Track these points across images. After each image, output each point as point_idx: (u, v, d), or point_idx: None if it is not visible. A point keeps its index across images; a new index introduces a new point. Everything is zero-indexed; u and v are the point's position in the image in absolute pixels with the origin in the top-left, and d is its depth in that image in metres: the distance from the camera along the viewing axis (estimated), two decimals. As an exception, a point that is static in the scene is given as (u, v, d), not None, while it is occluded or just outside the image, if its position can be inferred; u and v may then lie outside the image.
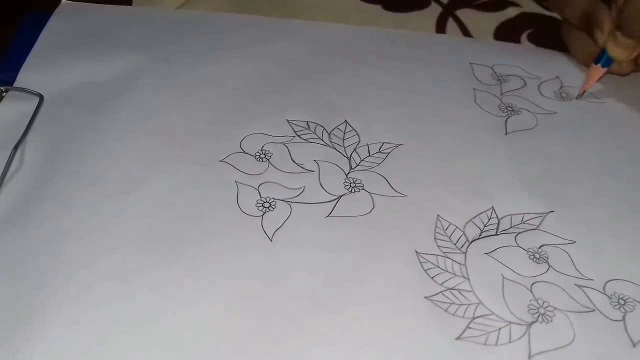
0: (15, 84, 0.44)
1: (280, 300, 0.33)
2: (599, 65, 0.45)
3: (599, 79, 0.46)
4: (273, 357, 0.31)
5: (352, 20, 0.53)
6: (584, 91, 0.46)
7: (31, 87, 0.44)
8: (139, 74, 0.46)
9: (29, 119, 0.42)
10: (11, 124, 0.41)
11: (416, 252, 0.36)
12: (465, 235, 0.37)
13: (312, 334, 0.32)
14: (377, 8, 0.55)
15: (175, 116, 0.43)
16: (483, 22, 0.54)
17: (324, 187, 0.39)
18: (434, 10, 0.55)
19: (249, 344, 0.31)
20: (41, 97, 0.43)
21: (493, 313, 0.33)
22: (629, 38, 0.43)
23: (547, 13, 0.55)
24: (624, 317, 0.34)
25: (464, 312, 0.33)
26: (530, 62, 0.49)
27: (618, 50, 0.44)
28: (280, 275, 0.34)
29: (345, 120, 0.43)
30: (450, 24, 0.54)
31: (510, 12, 0.55)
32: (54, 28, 0.49)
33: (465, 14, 0.54)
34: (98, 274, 0.34)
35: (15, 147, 0.40)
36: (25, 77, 0.45)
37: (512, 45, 0.52)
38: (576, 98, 0.46)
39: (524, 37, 0.53)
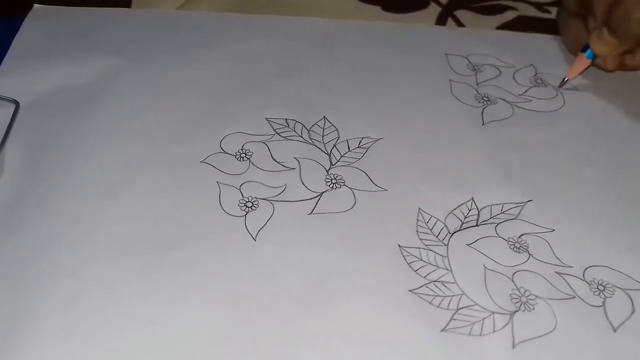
0: (-10, 91, 0.44)
1: (267, 300, 0.34)
2: (585, 55, 0.46)
3: (584, 70, 0.46)
4: (259, 356, 0.31)
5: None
6: (567, 79, 0.47)
7: (6, 94, 0.43)
8: (116, 77, 0.45)
9: (5, 127, 0.41)
10: (-12, 131, 0.41)
11: (399, 245, 0.36)
12: (447, 227, 0.37)
13: (300, 333, 0.32)
14: (377, 9, 0.55)
15: (153, 118, 0.43)
16: (482, 22, 0.54)
17: (305, 184, 0.39)
18: (433, 10, 0.55)
19: (237, 345, 0.32)
20: (17, 104, 0.43)
21: (476, 304, 0.34)
22: (614, 37, 0.43)
23: (545, 16, 0.55)
24: (603, 302, 0.34)
25: (448, 304, 0.34)
26: (504, 51, 0.50)
27: (601, 46, 0.44)
28: (265, 275, 0.35)
29: (324, 117, 0.43)
30: (450, 24, 0.54)
31: (509, 15, 0.55)
32: (27, 33, 0.49)
33: (465, 15, 0.55)
34: (84, 281, 0.34)
35: (-6, 155, 0.39)
36: (1, 83, 0.44)
37: (487, 32, 0.52)
38: (559, 86, 0.47)
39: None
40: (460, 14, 0.55)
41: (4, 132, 0.41)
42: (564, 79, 0.47)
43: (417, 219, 0.38)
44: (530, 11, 0.55)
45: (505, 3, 0.56)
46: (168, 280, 0.34)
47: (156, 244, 0.36)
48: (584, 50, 0.46)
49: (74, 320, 0.32)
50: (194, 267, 0.35)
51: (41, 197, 0.38)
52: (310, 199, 0.38)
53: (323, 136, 0.42)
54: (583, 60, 0.46)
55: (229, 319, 0.33)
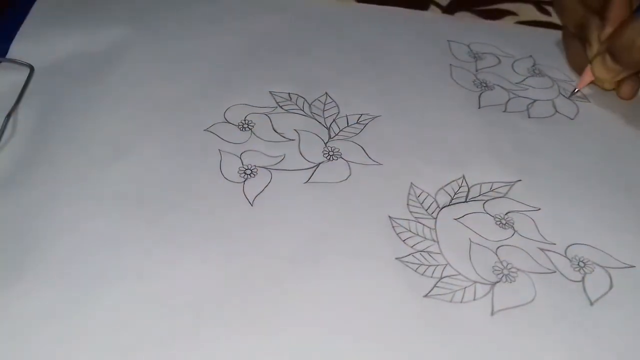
0: (8, 56, 0.46)
1: (260, 260, 0.35)
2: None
3: (591, 82, 0.47)
4: (252, 314, 0.33)
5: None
6: (577, 90, 0.47)
7: (23, 59, 0.45)
8: (128, 46, 0.47)
9: (20, 89, 0.43)
10: (3, 93, 0.43)
11: (389, 217, 0.38)
12: (437, 201, 0.39)
13: (290, 292, 0.34)
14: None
15: (161, 87, 0.44)
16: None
17: (303, 155, 0.41)
18: (434, 12, 0.56)
19: (230, 302, 0.33)
20: (32, 68, 0.45)
21: (459, 273, 0.35)
22: (616, 64, 0.43)
23: (545, 19, 0.56)
24: (583, 278, 0.36)
25: (433, 272, 0.35)
26: (505, 41, 0.51)
27: (603, 72, 0.45)
28: (259, 237, 0.36)
29: (326, 92, 0.45)
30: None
31: (509, 20, 0.55)
32: (45, 1, 0.50)
33: (464, 18, 0.55)
34: (85, 235, 0.35)
35: (8, 116, 0.41)
36: (18, 48, 0.46)
37: (489, 23, 0.54)
38: (569, 97, 0.47)
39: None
40: (460, 16, 0.56)
41: (18, 94, 0.43)
42: (574, 90, 0.47)
43: (409, 193, 0.39)
44: (531, 14, 0.56)
45: (505, 7, 0.56)
46: (166, 238, 0.36)
47: (157, 204, 0.37)
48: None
49: (74, 272, 0.34)
50: (192, 227, 0.36)
51: (50, 156, 0.39)
52: (307, 168, 0.40)
53: (324, 111, 0.44)
54: (590, 73, 0.46)
55: (223, 276, 0.34)
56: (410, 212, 0.38)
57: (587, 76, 0.46)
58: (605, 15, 0.44)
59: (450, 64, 0.49)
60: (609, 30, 0.44)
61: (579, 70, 0.48)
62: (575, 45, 0.48)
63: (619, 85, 0.46)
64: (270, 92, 0.44)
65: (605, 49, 0.44)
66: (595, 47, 0.45)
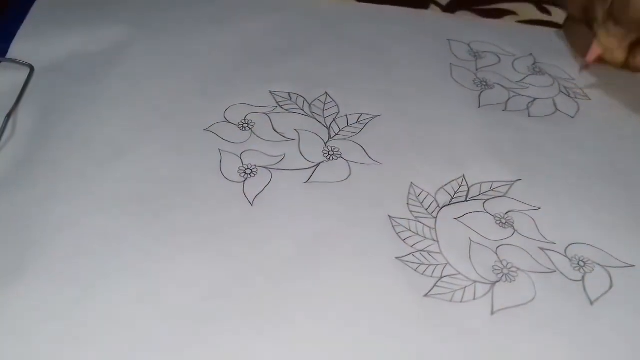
0: (8, 55, 0.46)
1: (259, 260, 0.35)
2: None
3: (599, 56, 0.46)
4: (252, 314, 0.33)
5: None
6: (587, 64, 0.46)
7: (23, 58, 0.45)
8: (128, 45, 0.47)
9: (20, 89, 0.43)
10: (3, 93, 0.43)
11: (389, 216, 0.38)
12: (437, 201, 0.39)
13: (290, 292, 0.34)
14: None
15: (161, 87, 0.44)
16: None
17: (303, 154, 0.41)
18: (434, 11, 0.56)
19: (229, 301, 0.33)
20: (32, 68, 0.45)
21: (459, 273, 0.35)
22: (618, 26, 0.44)
23: (545, 18, 0.55)
24: (583, 277, 0.36)
25: (433, 272, 0.35)
26: (505, 40, 0.51)
27: (609, 39, 0.45)
28: (259, 237, 0.36)
29: (326, 92, 0.45)
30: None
31: (509, 20, 0.55)
32: (46, 1, 0.50)
33: (464, 16, 0.55)
34: (85, 233, 0.36)
35: (8, 116, 0.41)
36: (18, 48, 0.46)
37: (490, 21, 0.54)
38: (579, 71, 0.47)
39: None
40: (460, 15, 0.56)
41: (18, 94, 0.43)
42: (584, 64, 0.47)
43: (409, 193, 0.39)
44: (531, 14, 0.56)
45: (505, 7, 0.56)
46: (166, 236, 0.36)
47: (157, 203, 0.37)
48: None
49: (73, 271, 0.34)
50: (192, 226, 0.36)
51: (50, 156, 0.39)
52: (307, 168, 0.40)
53: (324, 110, 0.44)
54: (597, 47, 0.45)
55: (223, 276, 0.34)
56: (411, 211, 0.38)
57: (595, 50, 0.46)
58: None
59: (451, 63, 0.49)
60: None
61: (586, 52, 0.47)
62: (582, 30, 0.48)
63: (632, 58, 0.46)
64: (270, 92, 0.44)
65: (607, 16, 0.44)
66: (601, 20, 0.45)
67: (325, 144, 0.41)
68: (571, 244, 0.37)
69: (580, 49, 0.49)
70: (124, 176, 0.39)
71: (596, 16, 0.45)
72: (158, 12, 0.51)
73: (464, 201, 0.39)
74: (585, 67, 0.47)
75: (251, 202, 0.38)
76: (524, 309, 0.34)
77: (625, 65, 0.47)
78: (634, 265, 0.36)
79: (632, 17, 0.43)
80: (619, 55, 0.46)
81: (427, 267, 0.35)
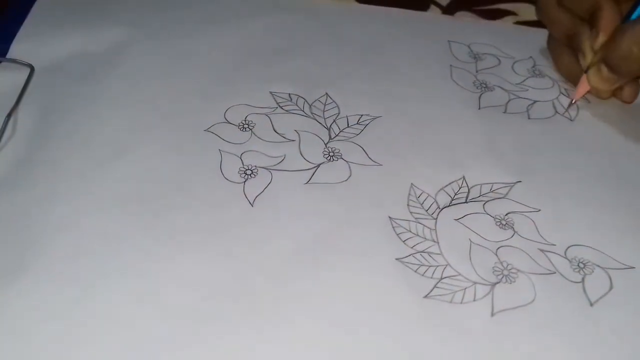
0: (8, 56, 0.46)
1: (260, 260, 0.35)
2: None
3: (587, 92, 0.46)
4: (252, 314, 0.33)
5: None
6: (574, 101, 0.46)
7: (23, 58, 0.45)
8: (128, 46, 0.47)
9: (20, 89, 0.43)
10: (3, 93, 0.43)
11: (389, 217, 0.38)
12: (437, 202, 0.39)
13: (290, 292, 0.34)
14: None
15: (161, 87, 0.44)
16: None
17: (304, 155, 0.41)
18: (434, 13, 0.56)
19: (229, 301, 0.33)
20: (32, 68, 0.45)
21: (460, 274, 0.35)
22: (613, 74, 0.43)
23: None
24: (583, 279, 0.36)
25: (433, 273, 0.35)
26: (505, 42, 0.51)
27: (599, 82, 0.44)
28: (260, 238, 0.36)
29: (326, 93, 0.45)
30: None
31: (509, 20, 0.56)
32: (46, 1, 0.50)
33: (464, 18, 0.55)
34: (85, 234, 0.36)
35: (8, 116, 0.41)
36: (18, 48, 0.46)
37: (490, 23, 0.54)
38: (566, 109, 0.46)
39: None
40: (460, 16, 0.56)
41: (18, 94, 0.43)
42: (571, 101, 0.46)
43: (409, 194, 0.39)
44: (530, 14, 0.56)
45: (505, 7, 0.56)
46: (166, 236, 0.36)
47: (157, 203, 0.37)
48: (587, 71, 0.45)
49: (73, 271, 0.34)
50: (192, 226, 0.36)
51: (50, 156, 0.39)
52: (308, 169, 0.40)
53: (324, 111, 0.44)
54: (586, 83, 0.45)
55: (223, 276, 0.34)
56: (411, 212, 0.38)
57: (583, 87, 0.45)
58: (596, 24, 0.43)
59: (451, 65, 0.49)
60: (602, 39, 0.43)
61: (570, 77, 0.48)
62: (566, 53, 0.47)
63: (619, 90, 0.46)
64: (271, 93, 0.45)
65: (600, 59, 0.43)
66: (589, 57, 0.44)
67: (326, 144, 0.41)
68: (571, 246, 0.37)
69: (563, 69, 0.49)
70: (124, 176, 0.39)
71: (582, 49, 0.45)
72: (158, 12, 0.51)
73: (464, 202, 0.39)
74: (573, 103, 0.46)
75: (251, 202, 0.38)
76: (524, 310, 0.34)
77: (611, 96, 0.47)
78: (633, 267, 0.36)
79: (633, 68, 0.42)
80: (606, 95, 0.46)
81: (427, 268, 0.35)
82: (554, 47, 0.49)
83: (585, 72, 0.45)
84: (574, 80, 0.47)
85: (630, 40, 0.41)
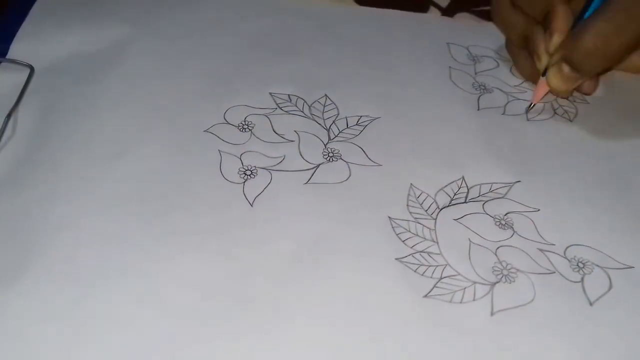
0: (8, 56, 0.46)
1: (260, 260, 0.35)
2: (545, 79, 0.44)
3: (547, 93, 0.46)
4: (252, 314, 0.33)
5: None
6: (533, 105, 0.46)
7: (23, 59, 0.45)
8: (128, 45, 0.47)
9: (20, 89, 0.43)
10: (3, 93, 0.43)
11: (389, 217, 0.38)
12: (436, 202, 0.39)
13: (290, 292, 0.34)
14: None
15: (161, 87, 0.44)
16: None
17: (303, 156, 0.41)
18: (434, 14, 0.56)
19: (229, 301, 0.33)
20: (32, 68, 0.45)
21: (459, 274, 0.35)
22: (576, 72, 0.42)
23: None
24: (582, 278, 0.36)
25: (432, 273, 0.35)
26: (504, 45, 0.51)
27: (560, 82, 0.43)
28: (259, 238, 0.36)
29: (326, 94, 0.45)
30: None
31: None
32: (46, 1, 0.51)
33: (464, 19, 0.55)
34: (86, 234, 0.36)
35: (8, 116, 0.41)
36: (18, 48, 0.46)
37: (489, 26, 0.54)
38: (525, 112, 0.46)
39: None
40: (459, 18, 0.56)
41: (18, 94, 0.43)
42: (530, 104, 0.46)
43: (409, 194, 0.39)
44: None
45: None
46: (166, 237, 0.36)
47: (157, 204, 0.37)
48: (544, 74, 0.44)
49: (74, 271, 0.34)
50: (192, 227, 0.36)
51: (50, 156, 0.39)
52: (307, 169, 0.40)
53: (323, 112, 0.44)
54: (545, 85, 0.45)
55: (223, 276, 0.34)
56: (410, 212, 0.38)
57: (542, 89, 0.45)
58: (550, 26, 0.43)
59: (450, 66, 0.49)
60: (557, 39, 0.43)
61: (532, 79, 0.48)
62: (523, 55, 0.47)
63: (578, 85, 0.45)
64: (270, 94, 0.45)
65: (560, 59, 0.42)
66: (544, 59, 0.44)
67: (325, 145, 0.42)
68: (570, 246, 0.37)
69: (524, 71, 0.48)
70: (124, 176, 0.39)
71: (537, 51, 0.44)
72: (158, 12, 0.51)
73: (463, 202, 0.39)
74: (532, 107, 0.46)
75: (251, 202, 0.38)
76: (524, 309, 0.34)
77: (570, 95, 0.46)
78: (633, 267, 0.36)
79: (598, 64, 0.42)
80: (565, 94, 0.46)
81: (427, 268, 0.35)
82: (512, 50, 0.49)
83: (543, 74, 0.44)
84: (533, 81, 0.47)
85: (595, 36, 0.40)
